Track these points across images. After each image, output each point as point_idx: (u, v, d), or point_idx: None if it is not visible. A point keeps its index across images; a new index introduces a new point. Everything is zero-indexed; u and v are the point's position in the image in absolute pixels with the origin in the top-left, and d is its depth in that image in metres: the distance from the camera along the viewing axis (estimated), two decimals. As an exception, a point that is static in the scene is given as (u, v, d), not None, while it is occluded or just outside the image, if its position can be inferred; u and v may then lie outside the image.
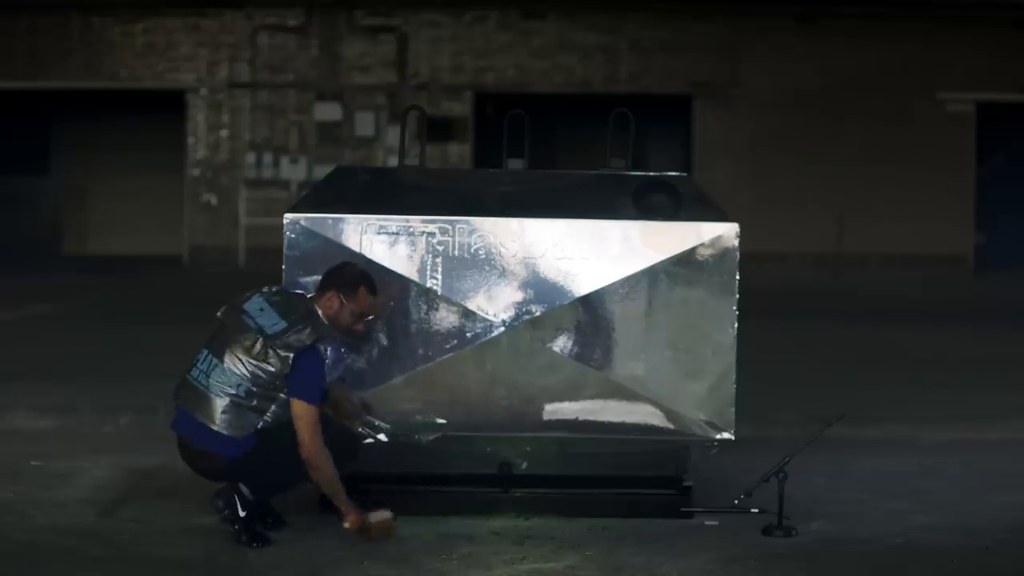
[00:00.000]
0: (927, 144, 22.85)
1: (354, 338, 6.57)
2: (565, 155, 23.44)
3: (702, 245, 6.73)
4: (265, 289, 6.48)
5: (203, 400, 6.31)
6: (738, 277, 6.75)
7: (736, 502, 6.85)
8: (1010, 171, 24.29)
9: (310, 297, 6.47)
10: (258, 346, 6.28)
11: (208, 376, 6.32)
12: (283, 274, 6.71)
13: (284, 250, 6.72)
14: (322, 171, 19.35)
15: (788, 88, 22.87)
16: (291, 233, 6.71)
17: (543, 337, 6.67)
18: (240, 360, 6.28)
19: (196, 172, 23.24)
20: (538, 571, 6.06)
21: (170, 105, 23.28)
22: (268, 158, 23.07)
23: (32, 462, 8.04)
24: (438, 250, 6.67)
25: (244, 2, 23.01)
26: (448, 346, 6.67)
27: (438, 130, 22.30)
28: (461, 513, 6.79)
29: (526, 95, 22.34)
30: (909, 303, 18.29)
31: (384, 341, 6.68)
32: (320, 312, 6.39)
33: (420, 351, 6.67)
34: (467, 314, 6.65)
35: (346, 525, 6.32)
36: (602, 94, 22.74)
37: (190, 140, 23.25)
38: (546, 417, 6.73)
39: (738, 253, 6.74)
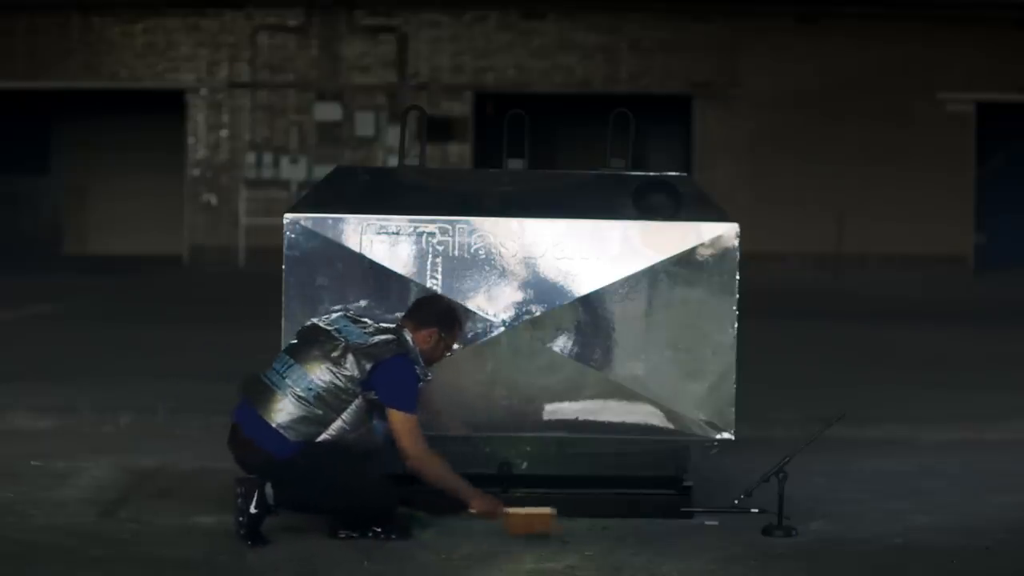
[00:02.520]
0: (927, 144, 22.85)
1: (430, 367, 6.57)
2: (565, 155, 23.44)
3: (702, 245, 6.73)
4: (349, 312, 6.53)
5: (270, 396, 6.32)
6: (738, 277, 6.75)
7: (736, 502, 6.85)
8: (1010, 171, 24.29)
9: (399, 325, 6.47)
10: (339, 351, 6.30)
11: (283, 376, 6.33)
12: (283, 274, 6.71)
13: (284, 250, 6.72)
14: (322, 171, 19.35)
15: (788, 88, 22.88)
16: (291, 233, 6.71)
17: (543, 337, 6.67)
18: (318, 365, 6.29)
19: (196, 172, 23.24)
20: (538, 571, 6.06)
21: (170, 105, 23.29)
22: (268, 158, 23.08)
23: (32, 462, 8.04)
24: (438, 250, 6.67)
25: (244, 2, 23.01)
26: (448, 346, 6.67)
27: (438, 130, 22.30)
28: (461, 513, 6.78)
29: (526, 95, 22.34)
30: (909, 303, 18.30)
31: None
32: (410, 340, 6.40)
33: (420, 351, 6.66)
34: (467, 314, 6.65)
35: (473, 511, 6.37)
36: (602, 94, 22.74)
37: (190, 140, 23.25)
38: (546, 417, 6.73)
39: (738, 253, 6.74)
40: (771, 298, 15.77)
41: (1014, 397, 10.34)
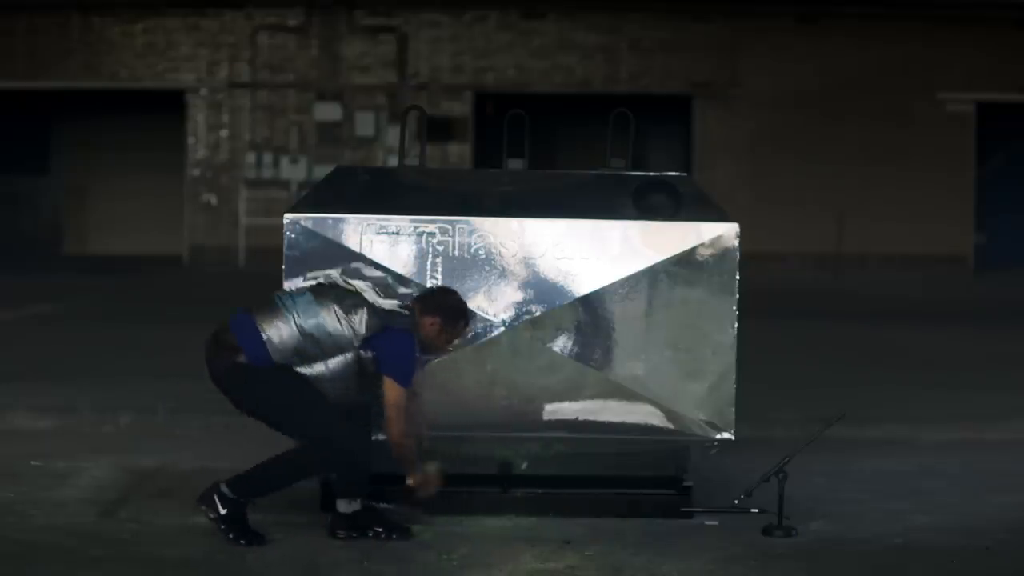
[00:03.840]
0: (927, 144, 22.85)
1: (428, 356, 6.58)
2: (565, 155, 23.43)
3: (702, 245, 6.73)
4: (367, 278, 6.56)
5: (274, 312, 6.33)
6: (738, 277, 6.75)
7: (736, 502, 6.85)
8: (1010, 171, 24.28)
9: (410, 304, 6.47)
10: (355, 303, 6.32)
11: (295, 302, 6.34)
12: (283, 274, 6.71)
13: (284, 250, 6.72)
14: (322, 171, 19.35)
15: (788, 88, 22.87)
16: (291, 233, 6.71)
17: (543, 337, 6.67)
18: (331, 307, 6.30)
19: (196, 172, 23.24)
20: (538, 571, 6.06)
21: (170, 105, 23.28)
22: (268, 158, 23.07)
23: (32, 462, 8.04)
24: (438, 250, 6.67)
25: (244, 2, 23.01)
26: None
27: (438, 130, 22.29)
28: (461, 513, 6.79)
29: (526, 95, 22.34)
30: (909, 303, 18.30)
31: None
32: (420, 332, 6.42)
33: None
34: (473, 315, 6.64)
35: (410, 482, 6.39)
36: (602, 94, 22.74)
37: (190, 140, 23.25)
38: (546, 417, 6.73)
39: (738, 253, 6.75)
40: (771, 298, 15.77)
41: (1014, 397, 10.34)
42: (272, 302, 6.38)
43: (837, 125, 22.82)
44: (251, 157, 23.09)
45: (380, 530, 6.41)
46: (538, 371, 6.70)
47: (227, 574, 6.00)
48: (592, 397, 6.72)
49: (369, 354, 6.30)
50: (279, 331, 6.29)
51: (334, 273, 6.54)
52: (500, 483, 6.89)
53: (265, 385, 6.30)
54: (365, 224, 6.68)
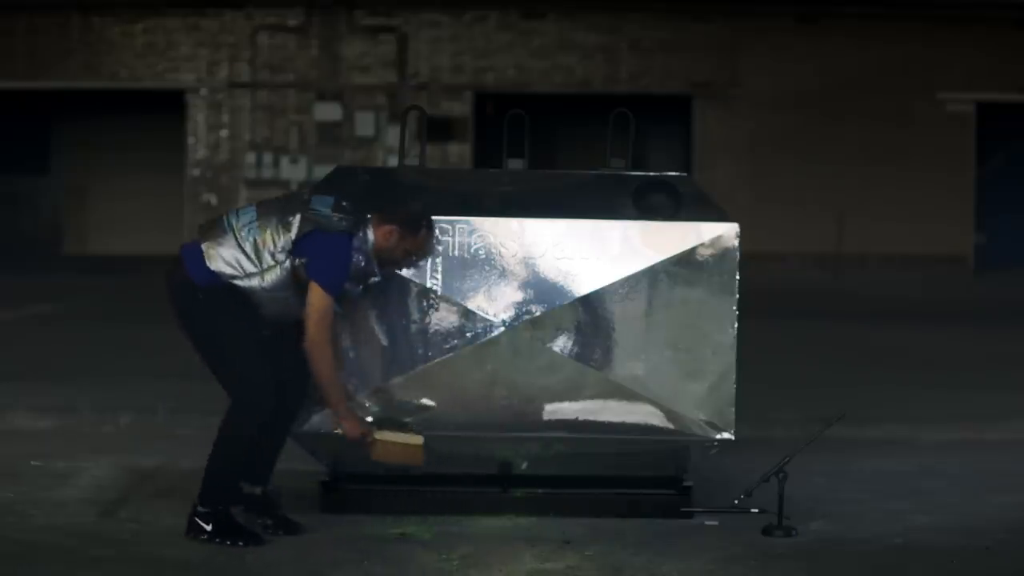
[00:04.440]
0: (927, 144, 22.83)
1: (387, 269, 6.50)
2: (565, 155, 23.42)
3: (702, 245, 6.73)
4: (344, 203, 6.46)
5: (217, 231, 6.35)
6: (738, 277, 6.75)
7: (736, 502, 6.85)
8: (1010, 171, 24.26)
9: (369, 216, 6.42)
10: (294, 210, 6.30)
11: (238, 219, 6.36)
12: (283, 274, 6.69)
13: (284, 250, 6.70)
14: (322, 171, 19.34)
15: (788, 88, 22.86)
16: (291, 233, 6.69)
17: (543, 337, 6.67)
18: (271, 219, 6.29)
19: (196, 172, 23.23)
20: (538, 571, 6.06)
21: (170, 105, 23.27)
22: (268, 158, 23.06)
23: (32, 462, 8.04)
24: (438, 250, 6.67)
25: (244, 2, 23.00)
26: (448, 346, 6.66)
27: (438, 130, 22.28)
28: (461, 513, 6.79)
29: (526, 95, 22.32)
30: (909, 303, 18.29)
31: (384, 341, 6.68)
32: (371, 233, 6.37)
33: (420, 351, 6.67)
34: (467, 314, 6.65)
35: (339, 431, 6.31)
36: (602, 94, 22.72)
37: (190, 140, 23.24)
38: (546, 417, 6.73)
39: (738, 253, 6.74)
40: (771, 298, 15.76)
41: (1014, 397, 10.34)
42: (218, 221, 6.43)
43: (837, 125, 22.80)
44: (251, 157, 23.08)
45: (269, 523, 6.43)
46: (538, 371, 6.70)
47: (227, 574, 6.00)
48: (592, 397, 6.72)
49: (303, 259, 6.25)
50: (219, 246, 6.30)
51: (302, 192, 6.57)
52: (500, 483, 6.89)
53: (208, 317, 6.29)
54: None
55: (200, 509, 6.31)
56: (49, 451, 8.35)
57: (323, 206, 6.33)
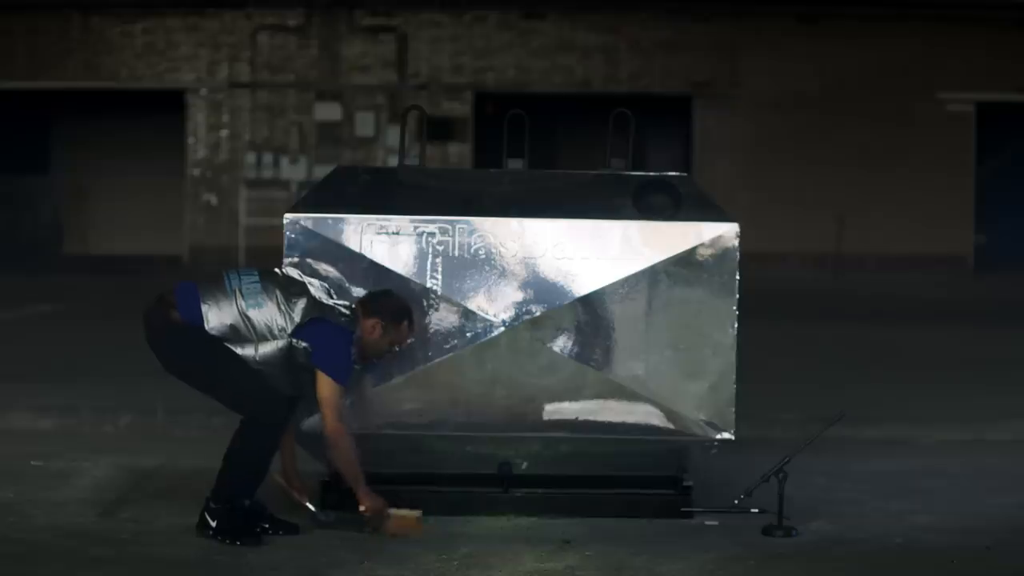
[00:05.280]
0: (927, 144, 22.84)
1: (369, 361, 6.57)
2: (565, 155, 23.43)
3: (702, 245, 6.73)
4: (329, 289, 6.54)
5: (217, 289, 6.37)
6: (738, 277, 6.75)
7: (736, 502, 6.85)
8: (1010, 171, 24.27)
9: (352, 306, 6.47)
10: (297, 293, 6.33)
11: (240, 282, 6.38)
12: (283, 274, 6.70)
13: (284, 250, 6.72)
14: (322, 171, 19.33)
15: (788, 88, 22.87)
16: (291, 233, 6.71)
17: (543, 337, 6.67)
18: (274, 292, 6.33)
19: (196, 172, 23.23)
20: (538, 571, 6.06)
21: (170, 105, 23.27)
22: (268, 158, 23.06)
23: (32, 462, 8.04)
24: (438, 250, 6.67)
25: (244, 2, 23.00)
26: (448, 346, 6.67)
27: (438, 130, 22.29)
28: (461, 513, 6.79)
29: (526, 95, 22.33)
30: (909, 303, 18.29)
31: (384, 341, 6.67)
32: (358, 331, 6.42)
33: (420, 351, 6.67)
34: (467, 314, 6.65)
35: (362, 509, 6.37)
36: (602, 94, 22.73)
37: (190, 140, 23.24)
38: (546, 417, 6.73)
39: (738, 253, 6.75)
40: (771, 298, 15.75)
41: (1014, 397, 10.34)
42: (219, 277, 6.44)
43: (837, 125, 22.81)
44: (251, 157, 23.08)
45: (266, 526, 6.45)
46: (538, 371, 6.70)
47: (227, 574, 6.00)
48: (592, 397, 6.72)
49: (302, 344, 6.30)
50: (218, 305, 6.32)
51: (292, 270, 6.54)
52: (500, 483, 6.89)
53: (195, 346, 6.31)
54: (365, 224, 6.68)
55: (212, 505, 6.33)
56: (49, 451, 8.35)
57: (323, 293, 6.41)
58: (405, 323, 6.49)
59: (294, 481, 6.68)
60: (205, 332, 6.31)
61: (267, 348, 6.31)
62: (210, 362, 6.34)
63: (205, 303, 6.33)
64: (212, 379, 6.39)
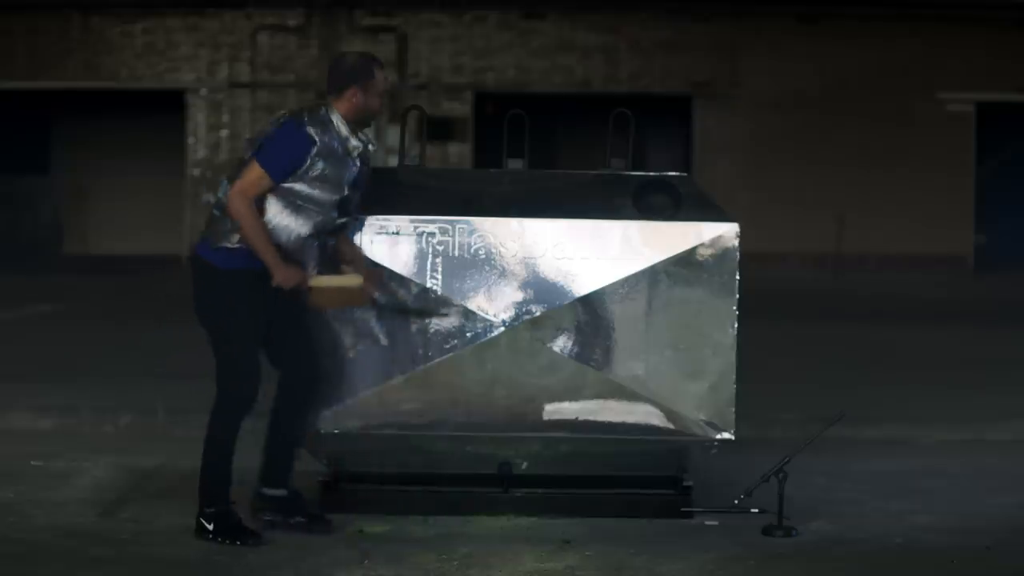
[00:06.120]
0: (927, 144, 22.85)
1: (372, 117, 6.47)
2: (565, 155, 23.44)
3: (702, 245, 6.73)
4: None
5: (208, 217, 6.47)
6: (738, 277, 6.75)
7: (736, 502, 6.85)
8: (1010, 171, 24.28)
9: (323, 104, 6.39)
10: (246, 150, 6.46)
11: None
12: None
13: (284, 250, 6.70)
14: (322, 171, 19.31)
15: (788, 88, 22.87)
16: (291, 233, 6.69)
17: (543, 337, 6.67)
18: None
19: (196, 172, 23.24)
20: (538, 571, 6.06)
21: (170, 105, 23.28)
22: (268, 158, 23.04)
23: (32, 462, 8.04)
24: (438, 250, 6.67)
25: (244, 2, 23.01)
26: (448, 346, 6.67)
27: (438, 130, 22.30)
28: (461, 513, 6.79)
29: (526, 95, 22.34)
30: (909, 303, 18.29)
31: (384, 341, 6.68)
32: (341, 113, 6.33)
33: (420, 351, 6.67)
34: (467, 314, 6.65)
35: (274, 283, 6.21)
36: (602, 94, 22.74)
37: (190, 140, 23.25)
38: (546, 417, 6.73)
39: (738, 253, 6.74)
40: (771, 298, 15.76)
41: (1014, 397, 10.34)
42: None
43: (837, 125, 22.82)
44: (251, 157, 23.07)
45: (303, 520, 6.45)
46: (538, 371, 6.70)
47: (227, 574, 6.00)
48: (592, 397, 6.72)
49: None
50: (209, 221, 6.44)
51: None
52: (500, 483, 6.89)
53: (220, 301, 6.28)
54: (365, 224, 6.68)
55: (206, 510, 6.32)
56: (49, 451, 8.35)
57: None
58: (376, 68, 6.42)
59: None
60: (228, 277, 6.25)
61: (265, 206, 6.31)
62: (221, 312, 6.30)
63: (203, 234, 6.42)
64: (216, 334, 6.34)
